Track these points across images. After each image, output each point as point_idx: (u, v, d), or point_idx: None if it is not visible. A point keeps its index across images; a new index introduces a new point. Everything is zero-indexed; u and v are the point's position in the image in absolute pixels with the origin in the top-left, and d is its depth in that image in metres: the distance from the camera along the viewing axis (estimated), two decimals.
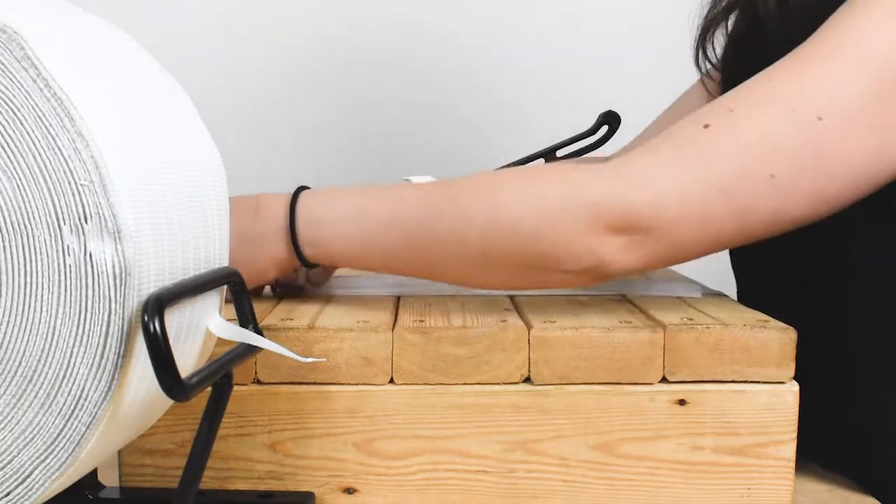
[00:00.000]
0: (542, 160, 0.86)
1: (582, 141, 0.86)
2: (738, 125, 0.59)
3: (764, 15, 0.69)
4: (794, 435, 0.60)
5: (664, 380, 0.60)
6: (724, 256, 0.95)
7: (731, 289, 0.79)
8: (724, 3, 0.81)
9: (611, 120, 0.85)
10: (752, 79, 0.61)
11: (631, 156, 0.62)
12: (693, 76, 0.90)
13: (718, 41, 0.84)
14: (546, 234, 0.60)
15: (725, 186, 0.58)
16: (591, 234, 0.59)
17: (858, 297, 0.70)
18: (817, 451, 0.70)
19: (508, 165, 0.83)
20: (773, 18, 0.68)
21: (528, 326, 0.59)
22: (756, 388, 0.59)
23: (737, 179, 0.58)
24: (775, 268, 0.76)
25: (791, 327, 0.60)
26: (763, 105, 0.59)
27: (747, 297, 0.81)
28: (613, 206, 0.59)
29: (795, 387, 0.60)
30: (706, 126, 0.60)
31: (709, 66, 0.85)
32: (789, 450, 0.60)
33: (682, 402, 0.59)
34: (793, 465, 0.60)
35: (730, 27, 0.81)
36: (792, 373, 0.60)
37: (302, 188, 0.67)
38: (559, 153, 0.87)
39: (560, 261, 0.60)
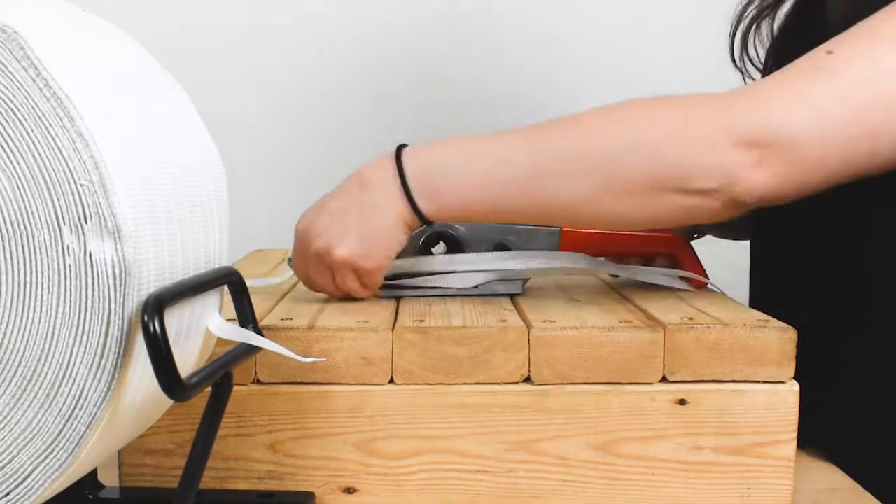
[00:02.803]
0: None
1: None
2: (862, 51, 0.60)
3: (833, 31, 0.69)
4: (794, 435, 0.60)
5: (664, 380, 0.60)
6: (730, 257, 0.96)
7: (732, 290, 0.79)
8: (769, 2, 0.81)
9: None
10: (853, 28, 0.62)
11: (762, 81, 0.62)
12: (712, 77, 0.89)
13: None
14: (677, 148, 0.59)
15: (854, 108, 0.58)
16: (725, 146, 0.58)
17: (861, 296, 0.70)
18: (816, 448, 0.70)
19: None
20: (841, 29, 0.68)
21: (528, 326, 0.59)
22: (756, 387, 0.59)
23: (865, 101, 0.59)
24: (796, 266, 0.76)
25: (791, 327, 0.60)
26: (877, 38, 0.60)
27: (759, 296, 0.81)
28: (747, 121, 0.59)
29: (795, 387, 0.60)
30: (829, 52, 0.60)
31: (747, 61, 0.85)
32: (789, 450, 0.60)
33: (682, 402, 0.59)
34: (793, 465, 0.60)
35: (776, 21, 0.82)
36: (792, 373, 0.60)
37: (402, 146, 0.66)
38: None
39: (691, 177, 0.59)
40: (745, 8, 0.82)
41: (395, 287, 0.71)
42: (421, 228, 0.70)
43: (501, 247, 0.73)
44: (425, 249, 0.74)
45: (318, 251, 0.66)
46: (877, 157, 0.60)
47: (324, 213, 0.67)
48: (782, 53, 0.80)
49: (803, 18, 0.78)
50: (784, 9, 0.81)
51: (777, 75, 0.62)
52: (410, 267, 0.71)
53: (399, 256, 0.70)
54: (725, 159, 0.58)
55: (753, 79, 0.85)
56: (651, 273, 0.75)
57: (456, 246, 0.73)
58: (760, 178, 0.59)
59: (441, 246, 0.74)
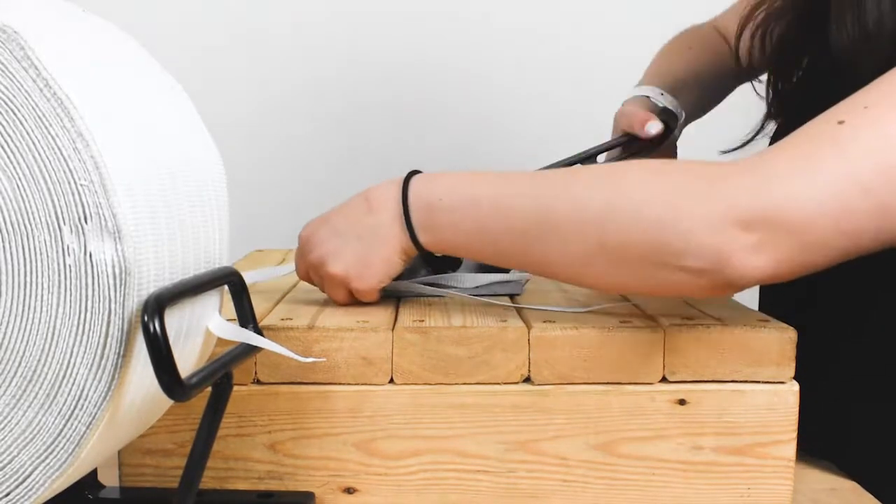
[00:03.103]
0: (600, 157, 0.83)
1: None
2: (876, 120, 0.57)
3: (837, 45, 0.68)
4: (794, 435, 0.60)
5: (664, 380, 0.60)
6: None
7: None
8: (776, 6, 0.80)
9: (668, 118, 0.82)
10: (882, 78, 0.59)
11: (765, 152, 0.59)
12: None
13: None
14: (670, 223, 0.56)
15: (863, 181, 0.55)
16: (720, 226, 0.55)
17: (861, 296, 0.70)
18: (816, 449, 0.70)
19: (552, 166, 0.79)
20: (845, 51, 0.67)
21: (528, 326, 0.59)
22: (756, 388, 0.59)
23: (875, 174, 0.55)
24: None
25: (791, 327, 0.60)
26: (889, 106, 0.57)
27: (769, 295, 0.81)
28: (748, 201, 0.55)
29: (795, 387, 0.60)
30: (840, 122, 0.57)
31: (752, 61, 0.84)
32: (789, 450, 0.60)
33: (682, 402, 0.59)
34: (793, 465, 0.60)
35: (775, 30, 0.81)
36: (792, 373, 0.60)
37: (412, 173, 0.66)
38: (608, 155, 0.84)
39: (682, 254, 0.56)
40: (753, 10, 0.82)
41: (394, 288, 0.71)
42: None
43: None
44: (422, 258, 0.73)
45: (314, 262, 0.67)
46: (883, 234, 0.56)
47: (326, 227, 0.67)
48: (782, 67, 0.80)
49: (804, 32, 0.78)
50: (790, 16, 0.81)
51: (782, 146, 0.58)
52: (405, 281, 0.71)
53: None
54: (720, 241, 0.55)
55: (761, 81, 0.84)
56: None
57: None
58: (757, 263, 0.55)
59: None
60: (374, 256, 0.65)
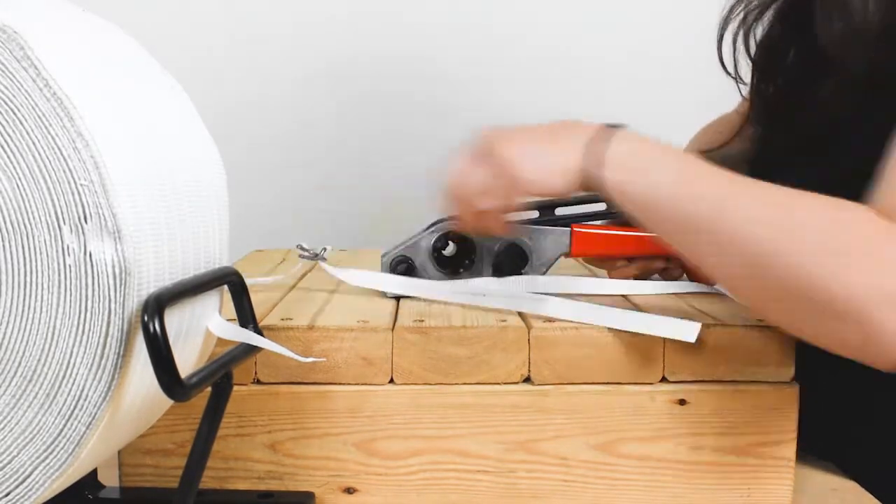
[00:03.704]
0: None
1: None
2: None
3: (824, 42, 0.68)
4: (794, 435, 0.60)
5: (664, 379, 0.60)
6: None
7: None
8: (754, 4, 0.80)
9: None
10: None
11: None
12: (706, 90, 0.89)
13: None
14: (839, 284, 0.53)
15: None
16: (886, 304, 0.52)
17: None
18: (816, 449, 0.70)
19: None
20: (833, 48, 0.66)
21: (528, 326, 0.59)
22: (756, 387, 0.59)
23: None
24: None
25: None
26: None
27: None
28: None
29: (795, 387, 0.60)
30: None
31: (733, 67, 0.84)
32: (789, 450, 0.60)
33: (682, 402, 0.59)
34: (793, 465, 0.60)
35: (758, 32, 0.81)
36: (792, 373, 0.60)
37: (618, 125, 0.65)
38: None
39: (839, 316, 0.53)
40: (730, 11, 0.82)
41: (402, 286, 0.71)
42: (434, 226, 0.70)
43: (513, 247, 0.73)
44: (436, 251, 0.73)
45: (491, 143, 0.64)
46: None
47: (519, 127, 0.66)
48: (767, 68, 0.80)
49: (787, 30, 0.78)
50: (769, 13, 0.81)
51: None
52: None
53: (409, 259, 0.70)
54: (884, 315, 0.52)
55: (746, 84, 0.84)
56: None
57: (466, 247, 0.73)
58: None
59: (451, 247, 0.74)
60: (553, 155, 0.63)
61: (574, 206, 0.74)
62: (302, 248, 0.73)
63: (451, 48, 1.36)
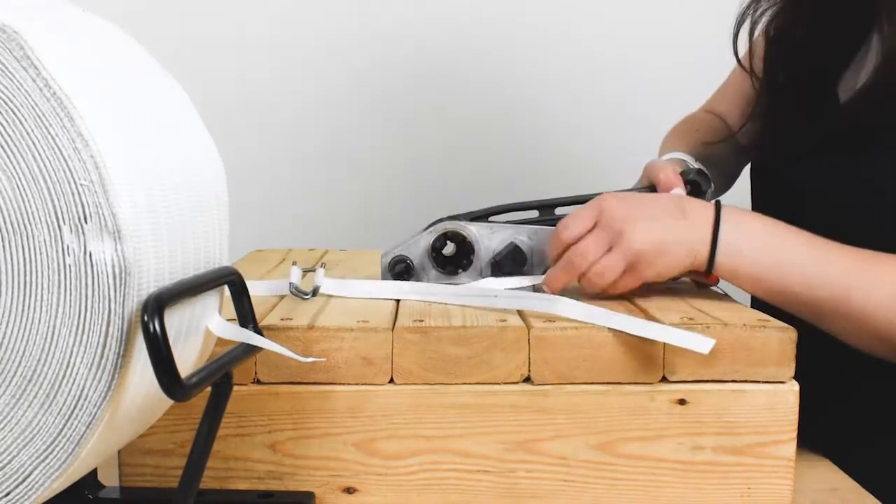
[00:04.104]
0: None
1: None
2: None
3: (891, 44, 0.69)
4: (794, 435, 0.60)
5: (664, 379, 0.60)
6: None
7: (732, 289, 0.78)
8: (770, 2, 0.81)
9: (702, 180, 0.80)
10: None
11: None
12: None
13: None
14: None
15: None
16: None
17: None
18: (816, 449, 0.70)
19: (550, 203, 0.78)
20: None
21: (528, 326, 0.59)
22: (756, 387, 0.59)
23: None
24: None
25: (791, 327, 0.60)
26: None
27: None
28: None
29: (795, 386, 0.60)
30: None
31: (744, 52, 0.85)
32: (789, 450, 0.60)
33: (682, 402, 0.59)
34: (793, 464, 0.60)
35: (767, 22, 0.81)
36: (792, 372, 0.60)
37: (719, 203, 0.68)
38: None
39: None
40: (746, 8, 0.82)
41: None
42: (433, 226, 0.70)
43: (513, 247, 0.73)
44: (435, 251, 0.73)
45: (619, 224, 0.66)
46: None
47: (639, 204, 0.68)
48: (781, 60, 0.80)
49: (802, 25, 0.78)
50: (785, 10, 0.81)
51: None
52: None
53: (407, 259, 0.70)
54: None
55: (758, 77, 0.85)
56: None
57: (465, 246, 0.73)
58: None
59: (450, 247, 0.74)
60: (672, 249, 0.66)
61: (573, 206, 0.74)
62: (297, 290, 0.70)
63: (451, 48, 1.37)
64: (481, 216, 0.75)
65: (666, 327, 0.59)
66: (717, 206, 0.67)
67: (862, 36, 0.76)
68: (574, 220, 0.68)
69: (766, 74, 0.83)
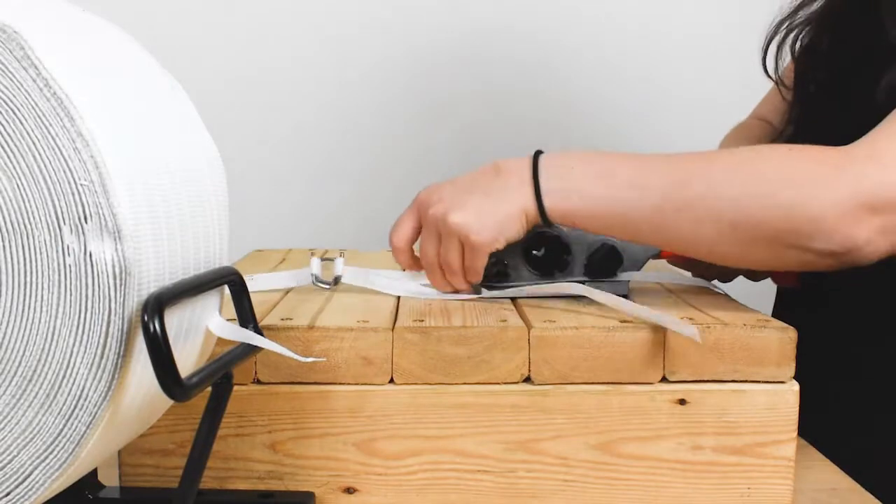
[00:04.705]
0: None
1: None
2: None
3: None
4: (794, 434, 0.60)
5: (664, 379, 0.60)
6: None
7: (733, 289, 0.79)
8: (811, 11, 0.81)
9: None
10: None
11: (879, 138, 0.62)
12: (744, 86, 0.90)
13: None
14: (803, 210, 0.60)
15: None
16: (849, 213, 0.59)
17: (870, 298, 0.70)
18: (816, 448, 0.70)
19: None
20: None
21: (528, 326, 0.59)
22: (756, 387, 0.59)
23: None
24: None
25: (791, 327, 0.60)
26: None
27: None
28: (876, 187, 0.59)
29: (795, 386, 0.60)
30: None
31: (775, 68, 0.85)
32: (789, 449, 0.60)
33: (682, 402, 0.59)
34: (793, 464, 0.60)
35: (802, 35, 0.82)
36: (792, 372, 0.60)
37: (539, 152, 0.67)
38: None
39: (812, 238, 0.60)
40: (778, 25, 0.83)
41: (496, 287, 0.70)
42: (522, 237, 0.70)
43: (605, 247, 0.71)
44: (528, 253, 0.72)
45: (435, 215, 0.66)
46: None
47: (449, 185, 0.68)
48: (809, 70, 0.81)
49: (831, 37, 0.79)
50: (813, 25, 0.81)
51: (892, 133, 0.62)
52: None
53: (503, 262, 0.70)
54: (847, 225, 0.59)
55: (787, 87, 0.85)
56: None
57: (558, 247, 0.72)
58: (882, 243, 0.60)
59: (544, 248, 0.72)
60: (496, 211, 0.65)
61: None
62: (319, 280, 0.71)
63: (451, 48, 1.36)
64: None
65: (658, 312, 0.59)
66: (535, 156, 0.66)
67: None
68: (398, 224, 0.70)
69: (796, 87, 0.83)
